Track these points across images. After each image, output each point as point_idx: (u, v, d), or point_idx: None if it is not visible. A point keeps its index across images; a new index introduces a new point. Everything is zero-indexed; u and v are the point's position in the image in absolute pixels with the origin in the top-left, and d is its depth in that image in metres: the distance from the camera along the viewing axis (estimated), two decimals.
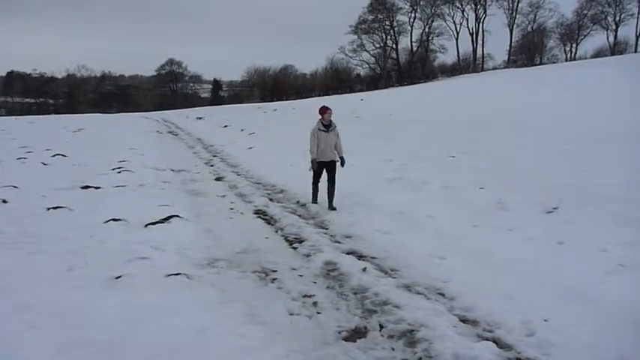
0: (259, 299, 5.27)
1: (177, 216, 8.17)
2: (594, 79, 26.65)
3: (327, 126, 9.41)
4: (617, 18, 72.51)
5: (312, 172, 9.60)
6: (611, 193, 7.67)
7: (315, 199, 9.73)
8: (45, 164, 14.15)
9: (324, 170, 9.55)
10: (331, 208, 9.26)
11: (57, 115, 53.55)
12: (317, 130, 9.38)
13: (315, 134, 9.38)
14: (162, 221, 7.92)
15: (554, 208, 7.54)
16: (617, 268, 5.47)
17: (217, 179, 12.86)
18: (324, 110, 9.44)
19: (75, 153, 16.58)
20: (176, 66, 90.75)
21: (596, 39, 79.06)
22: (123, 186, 10.87)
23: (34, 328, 4.31)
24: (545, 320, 4.67)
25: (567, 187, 8.23)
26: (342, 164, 9.56)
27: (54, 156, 15.71)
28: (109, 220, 7.85)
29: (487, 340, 4.39)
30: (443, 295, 5.47)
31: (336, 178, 9.51)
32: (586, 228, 6.67)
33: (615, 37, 74.07)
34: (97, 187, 10.60)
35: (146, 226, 7.73)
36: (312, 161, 9.44)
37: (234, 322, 4.63)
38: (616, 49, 72.67)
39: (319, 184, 9.67)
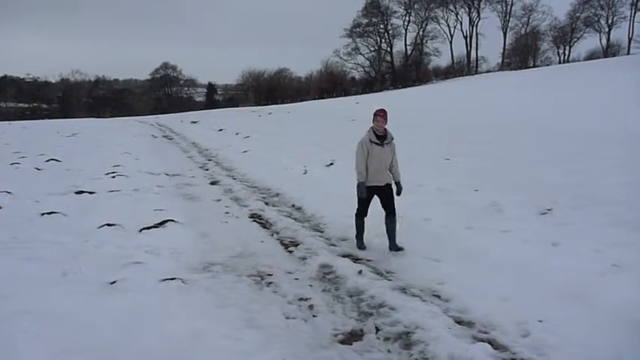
0: (255, 303, 5.26)
1: (172, 220, 8.16)
2: (588, 81, 26.77)
3: (381, 137, 6.98)
4: (610, 21, 73.12)
5: (358, 200, 7.24)
6: (605, 195, 7.70)
7: (361, 241, 7.29)
8: (39, 169, 14.10)
9: (375, 198, 7.18)
10: (395, 247, 6.94)
11: (51, 120, 53.40)
12: (368, 141, 6.93)
13: (364, 147, 6.93)
14: (157, 226, 7.91)
15: (549, 210, 7.57)
16: (611, 268, 5.50)
17: (212, 183, 12.84)
18: (379, 115, 6.94)
19: (69, 158, 16.53)
20: (171, 70, 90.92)
21: (589, 42, 79.73)
22: (117, 191, 10.85)
23: (29, 333, 4.28)
24: (540, 321, 4.69)
25: (562, 189, 8.26)
26: (399, 192, 7.20)
27: (48, 161, 15.67)
28: (103, 225, 7.84)
29: (482, 341, 4.39)
30: (438, 296, 5.48)
31: (395, 206, 7.13)
32: (580, 229, 6.70)
33: (608, 39, 74.65)
34: (91, 192, 10.57)
35: (141, 230, 7.72)
36: (358, 185, 7.03)
37: (230, 326, 4.63)
38: (609, 51, 73.14)
39: (365, 219, 7.27)
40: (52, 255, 6.40)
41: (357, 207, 7.25)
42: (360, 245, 7.25)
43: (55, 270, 5.86)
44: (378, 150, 6.91)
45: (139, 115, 66.32)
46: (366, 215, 7.22)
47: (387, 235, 7.05)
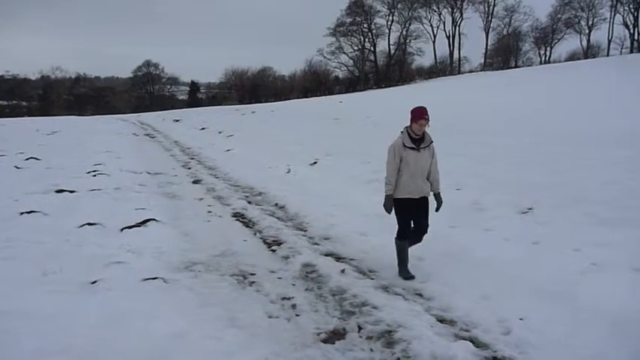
0: (237, 302, 5.25)
1: (154, 219, 8.10)
2: (570, 82, 27.08)
3: (418, 140, 5.89)
4: (590, 22, 73.99)
5: (397, 219, 6.07)
6: (585, 194, 7.80)
7: (404, 268, 6.04)
8: (18, 168, 13.88)
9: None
10: (406, 274, 5.95)
11: (30, 118, 52.68)
12: (401, 145, 5.86)
13: (395, 152, 5.88)
14: (138, 225, 7.84)
15: (529, 209, 7.64)
16: (590, 267, 5.57)
17: (195, 182, 12.77)
18: (419, 114, 5.80)
19: (49, 156, 16.30)
20: (153, 68, 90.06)
21: (570, 43, 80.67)
22: (98, 189, 10.72)
23: (10, 334, 4.23)
24: (521, 319, 4.74)
25: (543, 188, 8.35)
26: (438, 206, 6.17)
27: (27, 159, 15.43)
28: (84, 225, 7.75)
29: (464, 339, 4.43)
30: (421, 295, 5.51)
31: (428, 224, 6.10)
32: (560, 228, 6.77)
33: (588, 40, 75.60)
34: (71, 191, 10.43)
35: (122, 230, 7.64)
36: (385, 198, 5.99)
37: (212, 325, 4.61)
38: (589, 52, 74.12)
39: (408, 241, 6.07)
40: (32, 255, 6.32)
41: (397, 227, 6.08)
42: (406, 274, 5.97)
43: (35, 270, 5.78)
44: (413, 155, 5.83)
45: (121, 113, 65.72)
46: (410, 233, 6.06)
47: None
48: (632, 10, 66.91)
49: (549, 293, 5.19)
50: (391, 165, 5.88)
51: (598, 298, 4.93)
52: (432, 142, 6.00)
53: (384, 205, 6.02)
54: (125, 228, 7.70)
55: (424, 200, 6.02)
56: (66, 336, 4.26)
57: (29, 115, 62.91)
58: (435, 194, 6.14)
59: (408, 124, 5.91)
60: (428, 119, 5.78)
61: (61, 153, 17.56)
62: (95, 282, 5.49)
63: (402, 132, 5.95)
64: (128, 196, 10.17)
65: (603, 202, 7.38)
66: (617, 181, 8.19)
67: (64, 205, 9.23)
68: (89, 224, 7.77)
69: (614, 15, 69.59)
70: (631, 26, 67.91)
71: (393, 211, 6.03)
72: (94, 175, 12.62)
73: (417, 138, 5.88)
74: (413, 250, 6.71)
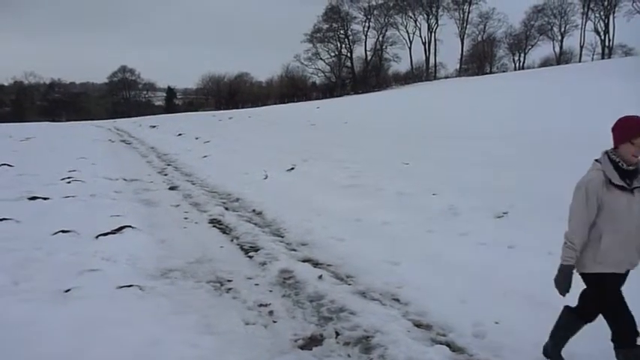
0: (214, 309, 5.21)
1: (130, 226, 8.01)
2: (542, 88, 27.51)
3: (631, 174, 3.47)
4: (563, 29, 75.75)
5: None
6: (559, 198, 7.90)
7: (558, 351, 4.04)
8: None
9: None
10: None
11: (3, 124, 51.74)
12: (601, 183, 3.49)
13: (589, 194, 3.53)
14: (114, 232, 7.74)
15: (505, 213, 7.74)
16: None
17: (171, 188, 12.67)
18: (635, 127, 3.38)
19: (22, 163, 16.03)
20: (129, 73, 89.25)
21: (543, 49, 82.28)
22: (73, 196, 10.57)
23: None
24: (496, 322, 4.79)
25: (518, 192, 8.46)
26: None
27: None
28: (57, 232, 7.62)
29: (440, 343, 4.46)
30: (397, 300, 5.53)
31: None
32: (535, 232, 6.85)
33: (561, 47, 77.26)
34: (45, 198, 10.27)
35: (97, 237, 7.53)
36: (561, 270, 3.75)
37: (189, 332, 4.57)
38: (562, 58, 75.60)
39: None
40: (3, 263, 6.18)
41: (584, 303, 3.95)
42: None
43: (5, 278, 5.66)
44: (624, 201, 3.46)
45: (97, 119, 64.91)
46: (591, 320, 3.91)
47: None
48: (603, 17, 68.62)
49: (524, 296, 5.25)
50: (581, 215, 3.60)
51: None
52: None
53: (557, 281, 3.75)
54: (100, 235, 7.59)
55: (626, 275, 3.71)
56: (39, 345, 4.18)
57: (2, 122, 61.67)
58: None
59: (611, 146, 3.56)
60: None
61: (35, 159, 17.31)
62: (69, 290, 5.40)
63: (597, 160, 3.61)
64: (103, 203, 10.04)
65: None
66: None
67: (37, 212, 9.07)
68: (63, 231, 7.64)
69: (586, 22, 71.40)
70: (602, 32, 69.67)
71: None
72: (69, 182, 12.44)
73: (630, 170, 3.48)
74: (389, 255, 6.77)
